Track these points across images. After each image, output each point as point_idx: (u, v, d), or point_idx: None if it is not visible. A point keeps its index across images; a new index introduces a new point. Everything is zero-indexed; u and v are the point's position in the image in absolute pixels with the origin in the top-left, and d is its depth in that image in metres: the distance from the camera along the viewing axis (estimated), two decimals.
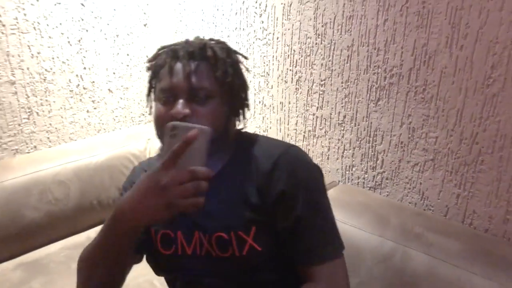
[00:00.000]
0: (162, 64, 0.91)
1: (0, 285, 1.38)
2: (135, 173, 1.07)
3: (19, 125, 1.71)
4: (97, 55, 1.89)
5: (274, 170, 0.89)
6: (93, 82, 1.89)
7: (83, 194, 1.64)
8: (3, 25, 1.60)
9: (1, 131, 1.68)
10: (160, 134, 0.89)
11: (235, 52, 0.98)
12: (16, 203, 1.50)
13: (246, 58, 1.00)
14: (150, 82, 0.95)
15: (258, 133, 1.75)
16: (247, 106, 0.99)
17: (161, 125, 0.86)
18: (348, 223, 1.21)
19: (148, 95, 0.96)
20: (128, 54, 1.99)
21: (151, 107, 0.95)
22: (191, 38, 0.98)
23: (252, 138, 0.98)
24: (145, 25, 2.01)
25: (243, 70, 0.98)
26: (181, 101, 0.86)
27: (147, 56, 2.04)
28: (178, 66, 0.88)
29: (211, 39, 0.97)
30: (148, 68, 0.95)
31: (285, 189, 0.88)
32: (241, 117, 0.98)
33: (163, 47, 0.95)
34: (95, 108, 1.92)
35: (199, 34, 1.84)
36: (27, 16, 1.65)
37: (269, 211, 0.89)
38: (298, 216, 0.88)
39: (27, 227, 1.52)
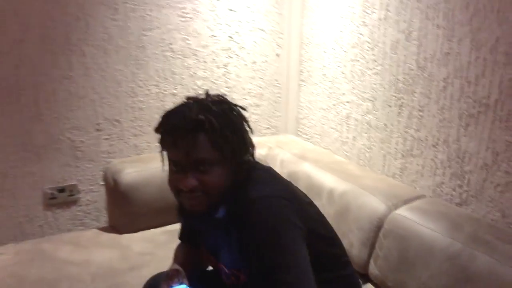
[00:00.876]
0: (165, 137, 1.03)
1: (150, 243, 1.84)
2: None
3: None
4: (238, 77, 2.34)
5: (239, 222, 1.01)
6: (233, 99, 2.34)
7: None
8: (173, 51, 2.13)
9: None
10: (174, 195, 1.08)
11: (234, 107, 1.08)
12: (167, 185, 1.97)
13: (245, 109, 1.10)
14: (160, 144, 1.07)
15: (361, 150, 2.01)
16: (250, 151, 1.10)
17: (173, 189, 1.07)
18: (425, 226, 1.42)
19: (161, 152, 1.08)
20: (261, 78, 2.41)
21: (163, 162, 1.09)
22: (192, 100, 1.07)
23: (249, 183, 1.06)
24: (277, 54, 2.42)
25: (243, 120, 1.08)
26: (187, 174, 1.00)
27: (276, 80, 2.44)
28: (180, 141, 0.99)
29: (207, 97, 1.07)
30: (156, 132, 1.06)
31: (242, 241, 1.02)
32: (248, 159, 1.09)
33: (166, 114, 1.06)
34: None
35: (312, 63, 2.18)
36: (190, 45, 2.16)
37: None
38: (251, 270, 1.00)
39: (173, 205, 1.98)
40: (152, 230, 1.94)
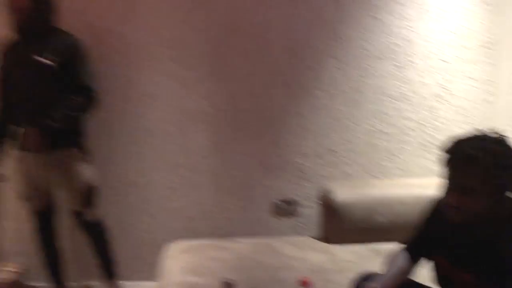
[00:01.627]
0: (448, 159, 1.25)
1: (354, 254, 2.18)
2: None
3: (383, 161, 2.56)
4: (446, 121, 2.53)
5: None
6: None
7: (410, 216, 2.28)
8: (386, 95, 2.49)
9: (371, 165, 2.55)
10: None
11: (509, 152, 1.20)
12: (372, 209, 2.28)
13: None
14: (444, 161, 1.27)
15: None
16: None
17: (444, 198, 1.29)
18: None
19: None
20: (470, 122, 2.53)
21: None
22: (478, 134, 1.25)
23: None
24: (487, 101, 2.53)
25: None
26: (454, 193, 1.24)
27: (484, 125, 2.55)
28: (455, 167, 1.23)
29: (490, 135, 1.23)
30: (445, 152, 1.27)
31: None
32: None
33: (455, 142, 1.25)
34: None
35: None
36: (401, 90, 2.49)
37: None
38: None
39: (375, 227, 2.28)
40: (357, 245, 2.28)
